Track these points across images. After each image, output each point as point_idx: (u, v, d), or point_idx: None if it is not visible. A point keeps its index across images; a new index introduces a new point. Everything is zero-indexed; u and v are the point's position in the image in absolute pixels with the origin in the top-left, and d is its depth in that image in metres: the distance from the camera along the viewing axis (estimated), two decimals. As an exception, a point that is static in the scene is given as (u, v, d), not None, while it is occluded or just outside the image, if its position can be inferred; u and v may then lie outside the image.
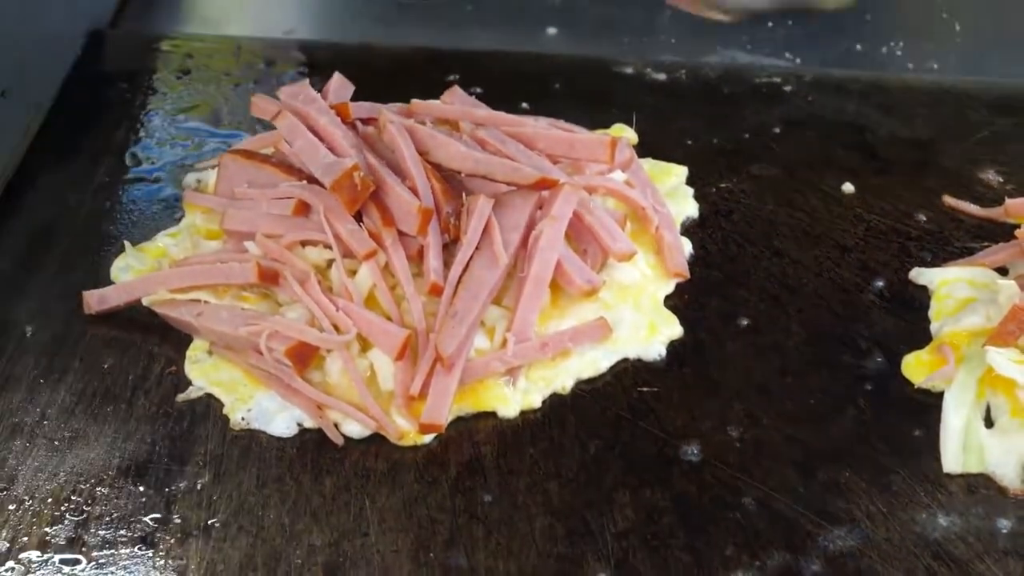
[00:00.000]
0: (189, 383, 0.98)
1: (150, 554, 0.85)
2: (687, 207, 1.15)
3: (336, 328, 0.96)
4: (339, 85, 1.15)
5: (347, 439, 0.94)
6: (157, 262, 1.08)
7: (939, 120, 1.30)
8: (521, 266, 1.00)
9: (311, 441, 0.94)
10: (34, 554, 0.85)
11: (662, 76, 1.35)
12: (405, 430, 0.93)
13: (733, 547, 0.86)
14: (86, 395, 0.97)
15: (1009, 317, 0.93)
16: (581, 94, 1.32)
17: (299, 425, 0.95)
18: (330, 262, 1.00)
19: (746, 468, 0.91)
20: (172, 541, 0.86)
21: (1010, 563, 0.84)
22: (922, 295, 1.06)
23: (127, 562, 0.85)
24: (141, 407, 0.96)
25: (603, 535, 0.87)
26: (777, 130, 1.27)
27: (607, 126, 1.23)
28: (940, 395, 0.95)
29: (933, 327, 1.02)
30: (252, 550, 0.85)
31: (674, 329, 1.02)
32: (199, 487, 0.90)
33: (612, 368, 1.00)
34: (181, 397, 0.97)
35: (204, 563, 0.85)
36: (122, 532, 0.87)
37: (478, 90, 1.25)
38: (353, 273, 0.99)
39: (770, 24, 1.52)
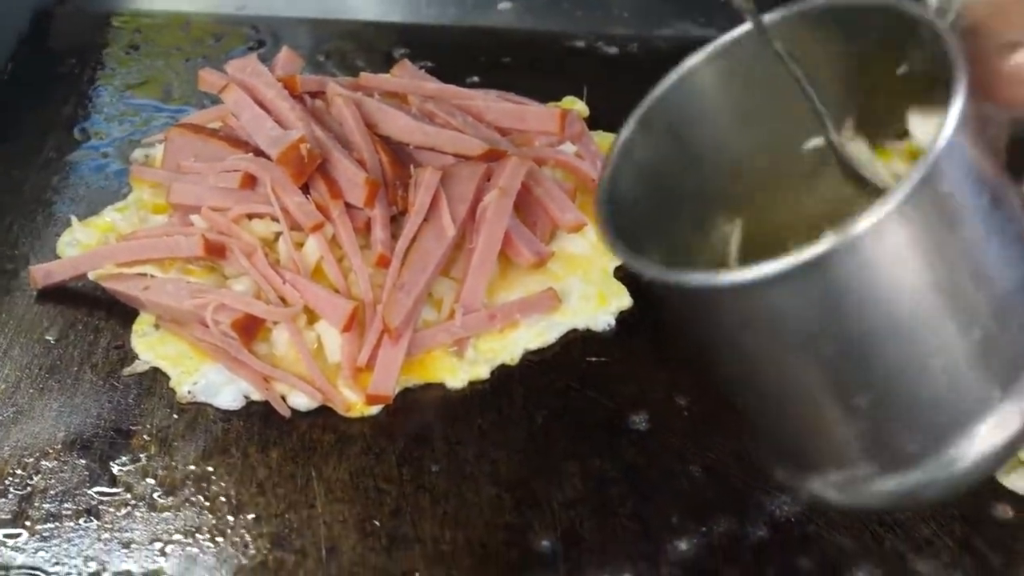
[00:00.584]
0: (135, 357, 0.98)
1: (95, 526, 0.85)
2: (637, 179, 1.14)
3: (283, 300, 0.95)
4: (287, 59, 1.14)
5: (294, 411, 0.93)
6: (104, 237, 1.07)
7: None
8: (469, 238, 1.00)
9: (258, 413, 0.93)
10: (-23, 529, 0.85)
11: (614, 49, 1.34)
12: (352, 402, 0.93)
13: (680, 515, 0.86)
14: (31, 369, 0.96)
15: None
16: (532, 68, 1.31)
17: (246, 397, 0.94)
18: (277, 235, 0.99)
19: (694, 436, 0.91)
20: (117, 513, 0.86)
21: (956, 527, 0.85)
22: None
23: (71, 535, 0.84)
24: (87, 381, 0.96)
25: (550, 505, 0.87)
26: (727, 102, 1.27)
27: (558, 99, 1.22)
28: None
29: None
30: (198, 521, 0.85)
31: (623, 299, 1.02)
32: (144, 460, 0.90)
33: (561, 339, 1.00)
34: (127, 371, 0.96)
35: (149, 535, 0.84)
36: (67, 505, 0.86)
37: (428, 64, 1.25)
38: (300, 246, 0.98)
39: (723, -2, 1.51)
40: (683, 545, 0.84)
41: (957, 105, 0.50)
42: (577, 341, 1.00)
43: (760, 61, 0.60)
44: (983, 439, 0.55)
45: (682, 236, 0.63)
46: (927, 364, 0.53)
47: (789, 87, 0.60)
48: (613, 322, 1.01)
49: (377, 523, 0.85)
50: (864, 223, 0.48)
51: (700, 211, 0.64)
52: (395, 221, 1.00)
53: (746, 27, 0.61)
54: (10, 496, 0.86)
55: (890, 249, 0.50)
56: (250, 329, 0.95)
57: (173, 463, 0.89)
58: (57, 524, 0.85)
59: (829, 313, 0.52)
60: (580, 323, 1.00)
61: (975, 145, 0.52)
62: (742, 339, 0.56)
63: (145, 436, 0.91)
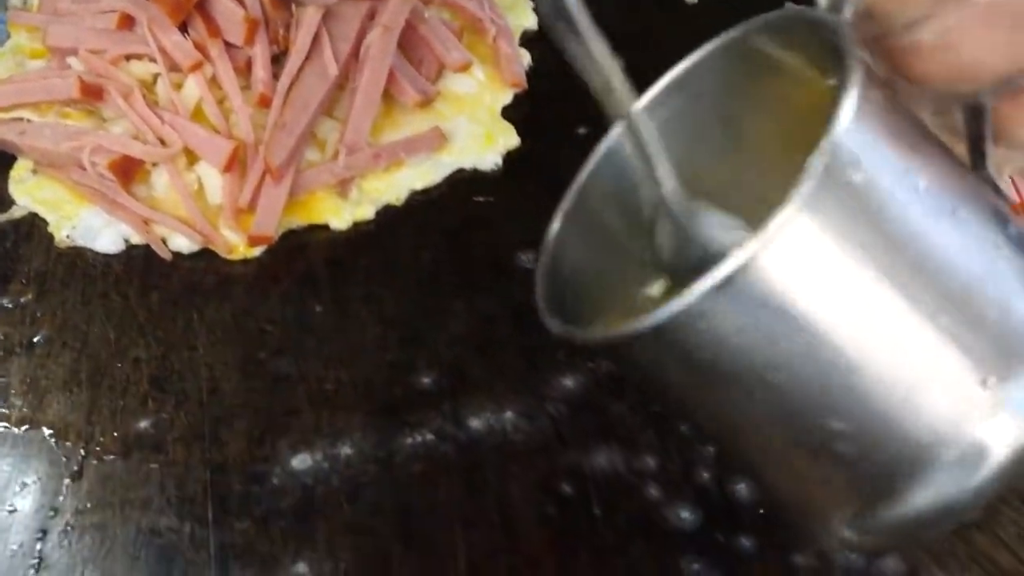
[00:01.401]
0: (12, 203, 0.95)
1: (-30, 372, 0.84)
2: (526, 19, 1.12)
3: (162, 143, 0.93)
4: None
5: (175, 254, 0.92)
6: (-21, 83, 1.04)
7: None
8: (353, 77, 0.98)
9: (138, 257, 0.92)
10: None
11: None
12: (234, 243, 0.92)
13: (566, 351, 0.85)
14: (-95, 218, 0.95)
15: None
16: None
17: (126, 241, 0.92)
18: (156, 76, 0.97)
19: (580, 272, 0.91)
20: (-6, 359, 0.85)
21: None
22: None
23: (-53, 381, 0.83)
24: (-37, 229, 0.94)
25: (436, 343, 0.86)
26: (621, -58, 1.25)
27: (448, -60, 1.20)
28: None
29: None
30: (76, 365, 0.84)
31: (511, 139, 1.01)
32: (22, 304, 0.88)
33: (447, 179, 0.98)
34: (4, 217, 0.94)
35: (27, 379, 0.83)
36: (-58, 352, 0.85)
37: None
38: (179, 87, 0.96)
39: None
40: (569, 382, 0.84)
41: (854, 82, 0.46)
42: (464, 181, 0.99)
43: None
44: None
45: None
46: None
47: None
48: (500, 161, 1.00)
49: (260, 364, 0.84)
50: (776, 221, 0.44)
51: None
52: (277, 62, 0.98)
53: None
54: None
55: (806, 253, 0.46)
56: (128, 171, 0.93)
57: (52, 308, 0.88)
58: (-69, 370, 0.84)
59: (763, 337, 0.47)
60: (467, 163, 0.99)
61: (887, 122, 0.48)
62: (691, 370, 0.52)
63: (23, 281, 0.90)
